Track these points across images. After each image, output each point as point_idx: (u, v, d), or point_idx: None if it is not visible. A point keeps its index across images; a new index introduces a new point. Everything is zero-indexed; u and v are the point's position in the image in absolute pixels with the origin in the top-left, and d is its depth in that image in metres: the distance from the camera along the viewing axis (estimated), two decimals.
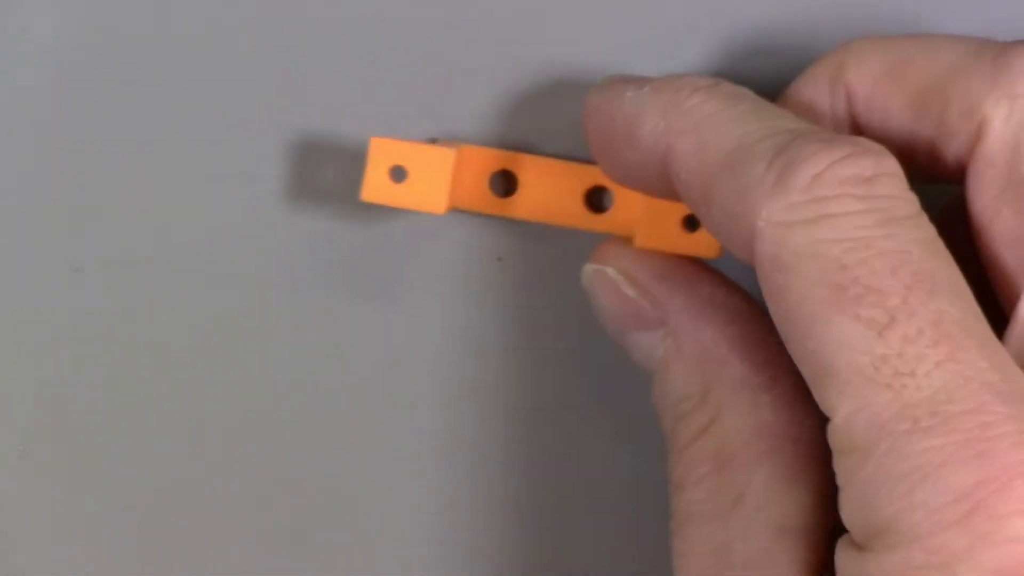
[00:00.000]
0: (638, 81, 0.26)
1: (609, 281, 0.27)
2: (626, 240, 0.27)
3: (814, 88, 0.26)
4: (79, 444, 0.29)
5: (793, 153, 0.23)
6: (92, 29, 0.29)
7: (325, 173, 0.29)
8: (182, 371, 0.29)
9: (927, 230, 0.22)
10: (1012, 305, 0.24)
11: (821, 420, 0.25)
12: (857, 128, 0.26)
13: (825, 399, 0.22)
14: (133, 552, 0.29)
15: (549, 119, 0.29)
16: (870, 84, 0.26)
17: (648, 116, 0.25)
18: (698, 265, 0.27)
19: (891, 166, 0.23)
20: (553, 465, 0.29)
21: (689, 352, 0.26)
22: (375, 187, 0.27)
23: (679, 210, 0.27)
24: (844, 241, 0.22)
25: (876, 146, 0.23)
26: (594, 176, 0.28)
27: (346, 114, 0.28)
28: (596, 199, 0.28)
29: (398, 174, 0.27)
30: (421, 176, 0.27)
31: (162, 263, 0.29)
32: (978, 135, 0.24)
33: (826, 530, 0.24)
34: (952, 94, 0.24)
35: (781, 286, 0.22)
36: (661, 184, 0.25)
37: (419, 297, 0.29)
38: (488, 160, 0.28)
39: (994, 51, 0.24)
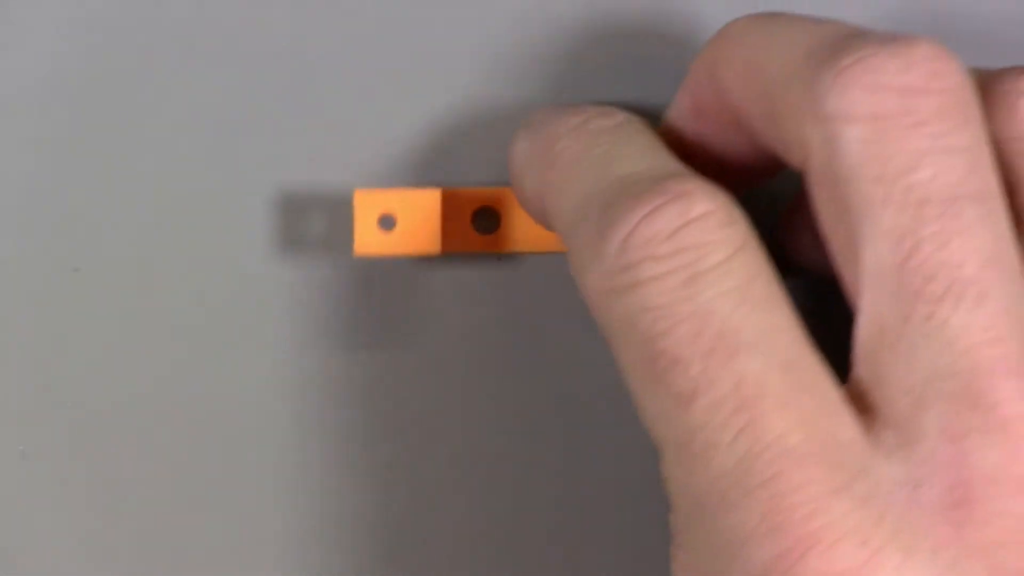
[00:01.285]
0: (535, 123, 0.26)
1: None
2: None
3: (696, 82, 0.25)
4: (79, 444, 0.29)
5: (610, 214, 0.22)
6: (93, 29, 0.29)
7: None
8: (183, 370, 0.29)
9: (741, 271, 0.22)
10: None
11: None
12: (730, 123, 0.25)
13: (662, 468, 0.22)
14: (133, 552, 0.29)
15: None
16: (733, 79, 0.24)
17: (527, 170, 0.25)
18: None
19: (701, 207, 0.22)
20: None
21: None
22: (366, 240, 0.27)
23: None
24: (651, 310, 0.21)
25: (688, 185, 0.22)
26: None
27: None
28: None
29: (387, 223, 0.27)
30: (411, 221, 0.27)
31: (162, 263, 0.29)
32: (805, 155, 0.23)
33: None
34: (783, 105, 0.23)
35: (613, 350, 0.22)
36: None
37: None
38: (468, 199, 0.28)
39: (821, 56, 0.22)
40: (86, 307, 0.29)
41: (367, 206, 0.27)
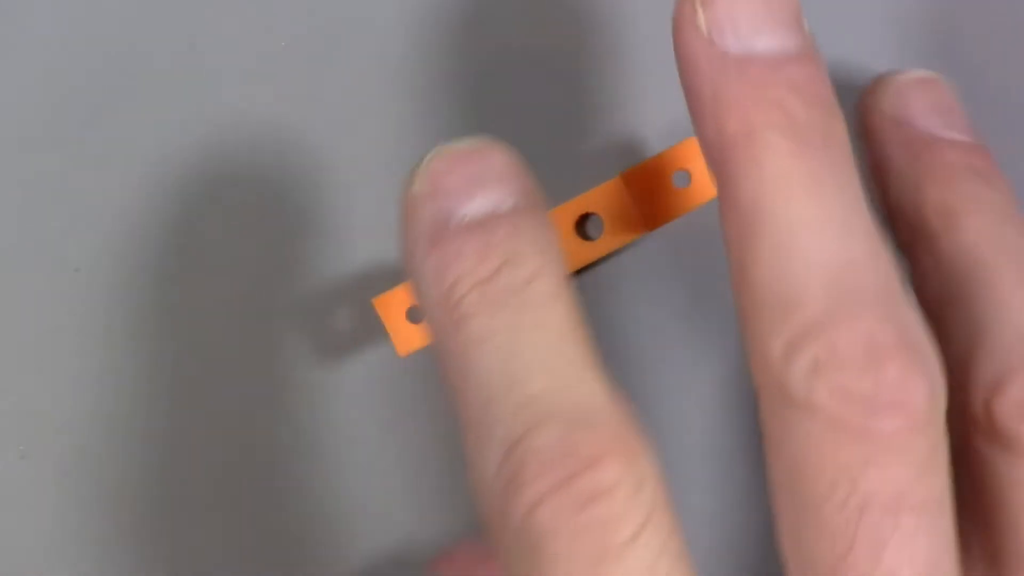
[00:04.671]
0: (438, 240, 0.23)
1: None
2: None
3: None
4: (79, 444, 0.29)
5: (516, 469, 0.21)
6: (94, 28, 0.29)
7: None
8: (183, 370, 0.29)
9: (645, 551, 0.21)
10: None
11: None
12: None
13: None
14: (133, 552, 0.29)
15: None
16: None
17: (426, 288, 0.23)
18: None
19: (612, 475, 0.21)
20: None
21: None
22: (405, 339, 0.26)
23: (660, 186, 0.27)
24: None
25: (596, 440, 0.21)
26: (578, 207, 0.27)
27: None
28: (583, 228, 0.28)
29: (415, 315, 0.26)
30: None
31: (162, 263, 0.29)
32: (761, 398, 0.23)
33: None
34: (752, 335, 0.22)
35: (493, 543, 0.22)
36: None
37: None
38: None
39: (795, 342, 0.22)
40: (86, 307, 0.29)
41: (389, 309, 0.26)
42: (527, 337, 0.22)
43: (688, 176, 0.27)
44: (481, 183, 0.22)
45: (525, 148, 0.23)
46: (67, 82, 0.29)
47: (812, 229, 0.21)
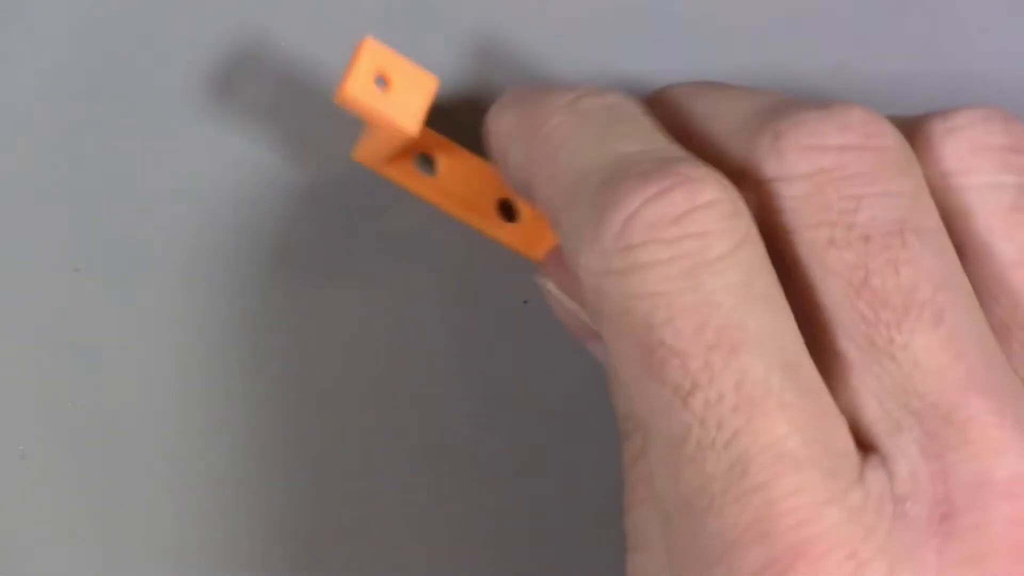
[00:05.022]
0: (524, 98, 0.25)
1: (551, 294, 0.27)
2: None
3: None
4: (79, 444, 0.29)
5: (610, 193, 0.21)
6: (93, 28, 0.29)
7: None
8: (182, 371, 0.29)
9: (744, 265, 0.21)
10: None
11: None
12: None
13: (649, 462, 0.22)
14: (133, 552, 0.29)
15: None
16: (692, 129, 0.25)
17: (513, 145, 0.25)
18: None
19: (708, 194, 0.21)
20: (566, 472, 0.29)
21: None
22: (356, 86, 0.25)
23: None
24: (651, 296, 0.21)
25: (696, 171, 0.22)
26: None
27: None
28: (508, 208, 0.28)
29: (380, 84, 0.26)
30: (403, 91, 0.26)
31: (162, 263, 0.29)
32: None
33: None
34: (723, 165, 0.23)
35: (605, 337, 0.22)
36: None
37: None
38: (423, 138, 0.27)
39: (758, 122, 0.23)
40: (86, 307, 0.29)
41: (371, 57, 0.25)
42: (625, 124, 0.23)
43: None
44: None
45: None
46: (67, 82, 0.29)
47: None
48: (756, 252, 0.22)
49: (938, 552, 0.21)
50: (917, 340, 0.21)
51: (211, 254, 0.29)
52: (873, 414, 0.22)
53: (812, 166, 0.22)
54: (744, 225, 0.22)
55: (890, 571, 0.20)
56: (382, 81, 0.26)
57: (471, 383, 0.29)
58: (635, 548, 0.24)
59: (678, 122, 0.25)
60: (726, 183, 0.22)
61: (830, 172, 0.22)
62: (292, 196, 0.29)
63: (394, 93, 0.25)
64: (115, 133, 0.29)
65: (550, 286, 0.26)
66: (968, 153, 0.23)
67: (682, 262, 0.21)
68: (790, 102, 0.23)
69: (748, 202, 0.22)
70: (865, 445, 0.22)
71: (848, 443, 0.21)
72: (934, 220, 0.22)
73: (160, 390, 0.29)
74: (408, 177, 0.28)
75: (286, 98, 0.29)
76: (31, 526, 0.29)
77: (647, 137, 0.23)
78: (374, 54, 0.25)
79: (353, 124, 0.28)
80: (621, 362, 0.22)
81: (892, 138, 0.22)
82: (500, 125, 0.25)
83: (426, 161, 0.28)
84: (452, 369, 0.29)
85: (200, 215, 0.29)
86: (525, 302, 0.29)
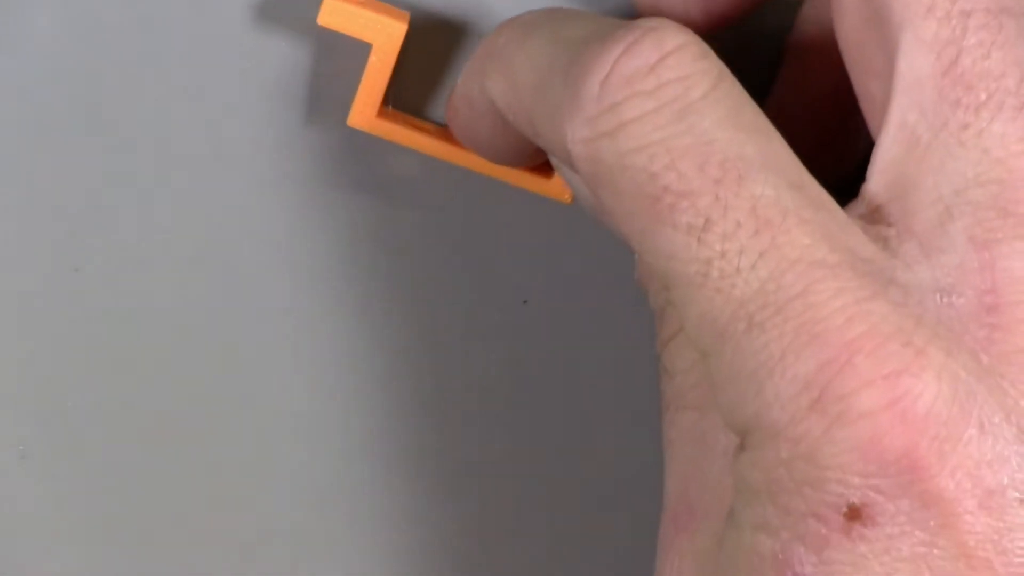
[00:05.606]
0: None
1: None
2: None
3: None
4: (79, 444, 0.29)
5: (580, 62, 0.21)
6: (93, 28, 0.29)
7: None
8: (182, 371, 0.29)
9: (727, 102, 0.21)
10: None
11: None
12: None
13: (677, 307, 0.22)
14: (133, 552, 0.29)
15: None
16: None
17: (471, 78, 0.25)
18: None
19: (674, 40, 0.21)
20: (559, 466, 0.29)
21: None
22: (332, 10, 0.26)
23: None
24: (646, 148, 0.21)
25: (656, 21, 0.22)
26: None
27: None
28: None
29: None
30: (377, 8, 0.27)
31: (162, 263, 0.29)
32: None
33: None
34: None
35: (606, 203, 0.22)
36: (518, 148, 0.25)
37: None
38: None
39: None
40: (86, 307, 0.29)
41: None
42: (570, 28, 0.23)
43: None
44: None
45: None
46: (68, 82, 0.29)
47: None
48: (735, 86, 0.22)
49: (986, 343, 0.21)
50: (993, 128, 0.21)
51: (211, 254, 0.29)
52: (924, 200, 0.22)
53: None
54: (716, 63, 0.22)
55: (947, 356, 0.20)
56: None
57: (471, 383, 0.29)
58: (683, 406, 0.24)
59: None
60: (686, 28, 0.22)
61: None
62: (292, 197, 0.29)
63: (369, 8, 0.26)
64: (116, 133, 0.29)
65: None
66: None
67: (669, 108, 0.21)
68: None
69: None
70: (905, 233, 0.22)
71: (871, 246, 0.21)
72: None
73: (160, 390, 0.29)
74: (414, 130, 0.28)
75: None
76: (31, 526, 0.29)
77: (595, 19, 0.23)
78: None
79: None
80: (629, 220, 0.22)
81: None
82: (459, 84, 0.25)
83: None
84: (452, 369, 0.29)
85: (200, 215, 0.29)
86: (525, 302, 0.29)
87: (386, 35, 0.27)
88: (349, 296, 0.29)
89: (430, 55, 0.28)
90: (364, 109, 0.27)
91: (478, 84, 0.25)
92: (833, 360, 0.20)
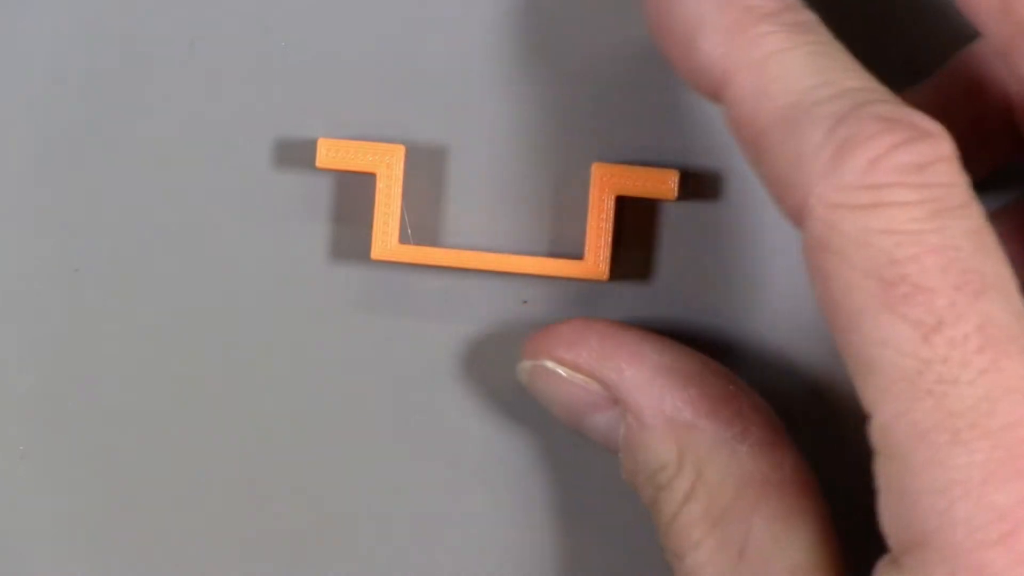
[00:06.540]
0: None
1: (551, 373, 0.27)
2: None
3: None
4: (79, 444, 0.29)
5: (853, 130, 0.22)
6: (93, 29, 0.29)
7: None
8: (182, 371, 0.29)
9: (976, 219, 0.22)
10: None
11: (797, 459, 0.25)
12: None
13: (866, 395, 0.22)
14: (133, 552, 0.29)
15: None
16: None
17: (708, 32, 0.24)
18: (638, 334, 0.27)
19: (947, 150, 0.22)
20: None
21: (653, 423, 0.26)
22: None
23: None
24: (896, 233, 0.21)
25: (934, 127, 0.22)
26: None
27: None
28: None
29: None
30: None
31: (162, 263, 0.29)
32: None
33: (837, 564, 0.24)
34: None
35: (828, 270, 0.22)
36: (711, 97, 0.24)
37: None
38: None
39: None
40: (86, 307, 0.29)
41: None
42: (834, 50, 0.23)
43: None
44: None
45: None
46: (68, 82, 0.29)
47: None
48: (981, 206, 0.22)
49: None
50: None
51: (211, 254, 0.29)
52: None
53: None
54: (968, 181, 0.22)
55: None
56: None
57: (471, 383, 0.29)
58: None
59: None
60: (950, 139, 0.22)
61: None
62: (290, 200, 0.29)
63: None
64: (116, 133, 0.29)
65: (548, 364, 0.27)
66: None
67: (929, 206, 0.21)
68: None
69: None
70: None
71: None
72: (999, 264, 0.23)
73: (160, 390, 0.29)
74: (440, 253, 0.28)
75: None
76: (31, 526, 0.29)
77: (861, 72, 0.23)
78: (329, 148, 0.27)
79: None
80: (847, 295, 0.22)
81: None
82: (692, 6, 0.24)
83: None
84: (452, 369, 0.29)
85: (200, 215, 0.29)
86: (525, 302, 0.29)
87: (386, 164, 0.27)
88: (349, 296, 0.29)
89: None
90: (384, 239, 0.28)
91: (711, 45, 0.24)
92: None
